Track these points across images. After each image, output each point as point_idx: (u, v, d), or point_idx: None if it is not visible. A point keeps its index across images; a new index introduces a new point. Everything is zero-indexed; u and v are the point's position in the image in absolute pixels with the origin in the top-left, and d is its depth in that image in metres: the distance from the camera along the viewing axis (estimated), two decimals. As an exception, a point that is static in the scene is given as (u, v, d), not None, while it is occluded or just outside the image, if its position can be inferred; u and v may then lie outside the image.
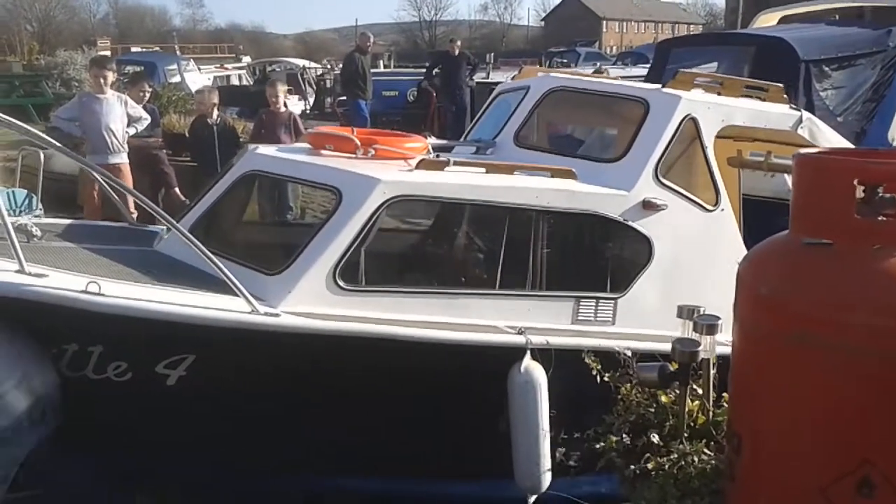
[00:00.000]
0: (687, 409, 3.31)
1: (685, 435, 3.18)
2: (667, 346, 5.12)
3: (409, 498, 4.91)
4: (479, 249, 5.30)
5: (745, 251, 5.92)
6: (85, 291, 3.93)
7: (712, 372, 3.41)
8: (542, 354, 4.75)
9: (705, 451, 3.01)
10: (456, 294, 4.96)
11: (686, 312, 3.91)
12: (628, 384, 3.62)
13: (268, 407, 4.43)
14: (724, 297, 5.67)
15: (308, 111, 22.51)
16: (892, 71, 10.13)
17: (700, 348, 3.28)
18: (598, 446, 3.35)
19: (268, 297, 4.44)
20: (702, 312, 3.86)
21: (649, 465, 3.00)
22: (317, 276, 4.62)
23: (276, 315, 4.29)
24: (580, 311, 5.27)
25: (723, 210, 5.77)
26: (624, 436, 3.29)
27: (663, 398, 3.41)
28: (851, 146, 6.71)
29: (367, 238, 4.74)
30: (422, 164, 5.06)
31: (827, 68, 9.80)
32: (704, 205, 5.69)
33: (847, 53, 9.97)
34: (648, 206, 5.42)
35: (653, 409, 3.39)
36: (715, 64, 11.36)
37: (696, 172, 5.87)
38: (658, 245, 5.44)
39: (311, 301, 4.58)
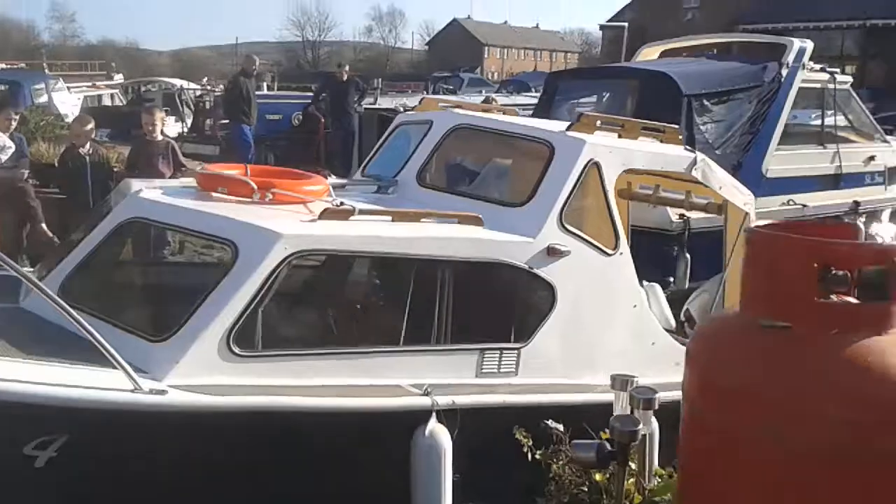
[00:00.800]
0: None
1: None
2: (573, 398, 5.08)
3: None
4: (383, 304, 5.04)
5: (642, 292, 5.96)
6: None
7: (650, 449, 3.26)
8: (447, 415, 4.54)
9: None
10: (359, 354, 4.67)
11: (619, 384, 3.79)
12: (559, 462, 3.45)
13: (152, 487, 4.02)
14: (624, 342, 5.75)
15: (185, 133, 21.63)
16: (766, 105, 10.56)
17: (640, 427, 3.13)
18: None
19: (152, 369, 4.04)
20: (636, 384, 3.77)
21: None
22: (209, 344, 4.22)
23: (163, 392, 3.89)
24: (484, 363, 5.08)
25: (622, 254, 5.73)
26: None
27: (597, 476, 3.27)
28: (746, 189, 6.83)
29: (265, 299, 4.38)
30: (326, 214, 4.75)
31: (707, 102, 10.10)
32: (605, 249, 5.64)
33: (726, 88, 10.34)
34: (552, 253, 5.31)
35: (586, 489, 3.23)
36: (595, 97, 11.59)
37: (597, 217, 5.81)
38: (561, 292, 5.33)
39: (201, 371, 4.18)
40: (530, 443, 3.72)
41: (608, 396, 5.17)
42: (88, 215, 6.01)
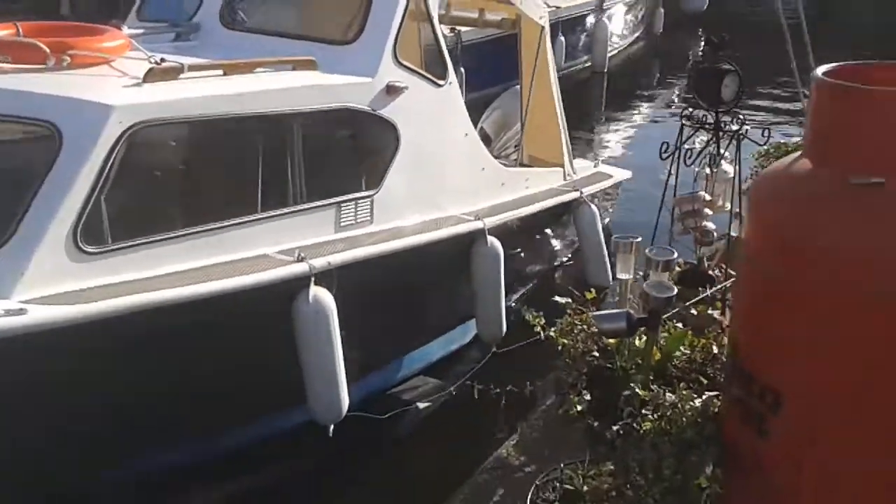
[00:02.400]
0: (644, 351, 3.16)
1: (651, 378, 3.02)
2: (438, 234, 5.07)
3: (220, 456, 4.35)
4: (234, 170, 4.52)
5: (470, 122, 5.91)
6: None
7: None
8: (324, 276, 4.33)
9: (693, 398, 2.81)
10: (218, 229, 4.22)
11: (623, 247, 3.70)
12: (567, 338, 3.36)
13: (22, 416, 3.51)
14: (462, 171, 5.73)
15: None
16: None
17: (674, 293, 3.10)
18: (562, 412, 3.09)
19: None
20: (638, 242, 3.75)
21: (645, 425, 2.76)
22: (53, 245, 3.59)
23: (20, 311, 3.29)
24: (342, 216, 4.85)
25: (451, 83, 5.59)
26: (586, 392, 3.06)
27: (611, 341, 3.24)
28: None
29: (106, 184, 3.75)
30: (151, 75, 4.05)
31: None
32: (436, 80, 5.46)
33: None
34: (392, 91, 5.04)
35: (596, 355, 3.21)
36: None
37: (425, 47, 5.57)
38: (403, 130, 5.13)
39: (52, 277, 3.59)
40: (542, 322, 3.64)
41: (465, 227, 5.28)
42: None
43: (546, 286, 6.86)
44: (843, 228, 2.25)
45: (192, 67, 4.25)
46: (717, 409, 2.82)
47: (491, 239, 5.36)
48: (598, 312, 3.26)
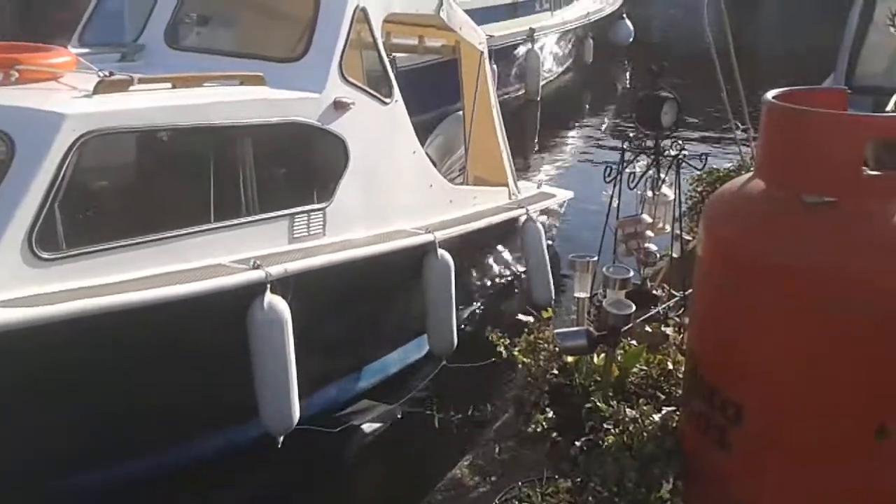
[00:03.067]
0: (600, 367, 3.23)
1: (610, 394, 3.08)
2: (389, 246, 5.15)
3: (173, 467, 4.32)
4: (186, 180, 4.57)
5: (416, 139, 6.04)
6: None
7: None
8: (280, 285, 4.38)
9: (653, 413, 2.87)
10: (171, 238, 4.25)
11: (581, 266, 3.71)
12: (528, 357, 3.39)
13: None
14: (409, 187, 5.84)
15: None
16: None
17: (632, 310, 3.19)
18: (529, 430, 3.10)
19: None
20: (594, 261, 3.82)
21: (608, 440, 2.78)
22: (9, 251, 3.62)
23: None
24: (295, 228, 4.92)
25: (396, 101, 5.73)
26: (548, 410, 3.10)
27: (568, 359, 3.28)
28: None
29: (59, 191, 3.79)
30: (102, 87, 4.12)
31: None
32: (382, 98, 5.59)
33: None
34: (339, 107, 5.16)
35: (556, 373, 3.25)
36: None
37: (369, 65, 5.70)
38: (351, 145, 5.24)
39: (8, 283, 3.60)
40: (506, 342, 3.64)
41: (417, 239, 5.38)
42: None
43: (493, 303, 7.00)
44: (798, 246, 2.33)
45: (142, 80, 4.31)
46: (675, 424, 2.85)
47: (442, 252, 5.47)
48: (559, 330, 3.28)
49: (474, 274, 6.84)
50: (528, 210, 6.75)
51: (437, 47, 7.57)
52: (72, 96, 4.12)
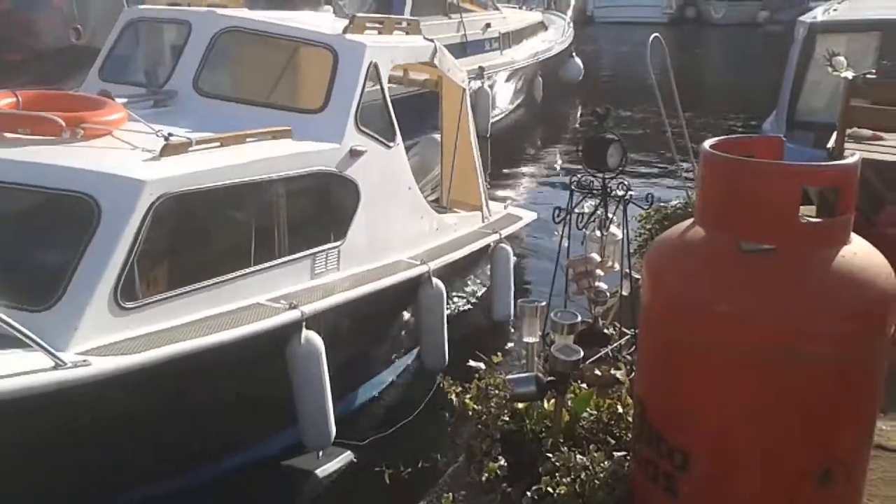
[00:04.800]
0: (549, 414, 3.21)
1: (560, 441, 3.06)
2: (398, 277, 5.71)
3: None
4: (234, 230, 5.09)
5: (412, 176, 6.58)
6: None
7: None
8: (314, 320, 4.90)
9: (604, 461, 2.84)
10: (221, 282, 4.76)
11: (529, 311, 3.71)
12: (481, 404, 3.26)
13: (84, 454, 3.96)
14: (407, 221, 6.40)
15: None
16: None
17: (580, 355, 3.15)
18: (482, 479, 3.01)
19: (49, 339, 3.79)
20: (543, 306, 3.83)
21: (560, 490, 2.77)
22: (100, 303, 4.10)
23: (85, 363, 3.78)
24: (315, 266, 5.43)
25: (398, 145, 6.28)
26: (500, 458, 3.03)
27: (519, 405, 3.28)
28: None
29: (139, 247, 4.30)
30: (168, 150, 4.63)
31: None
32: (387, 143, 6.13)
33: None
34: (354, 154, 5.71)
35: (507, 420, 3.22)
36: None
37: (379, 114, 6.22)
38: (363, 188, 5.79)
39: (99, 331, 4.09)
40: (458, 389, 3.42)
41: (415, 271, 6.00)
42: None
43: (458, 322, 7.30)
44: (737, 294, 2.35)
45: (197, 142, 4.84)
46: (625, 470, 2.83)
47: (435, 280, 6.09)
48: (510, 376, 3.24)
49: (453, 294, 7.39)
50: (501, 234, 7.27)
51: (421, 80, 8.03)
52: (141, 158, 4.61)
